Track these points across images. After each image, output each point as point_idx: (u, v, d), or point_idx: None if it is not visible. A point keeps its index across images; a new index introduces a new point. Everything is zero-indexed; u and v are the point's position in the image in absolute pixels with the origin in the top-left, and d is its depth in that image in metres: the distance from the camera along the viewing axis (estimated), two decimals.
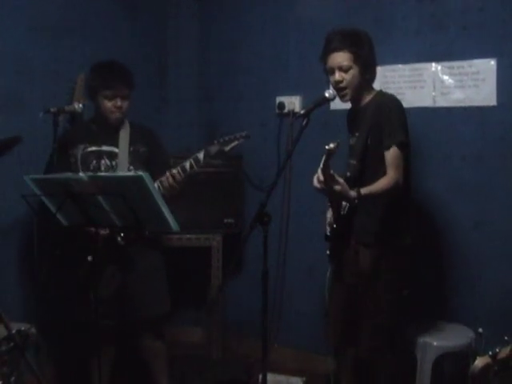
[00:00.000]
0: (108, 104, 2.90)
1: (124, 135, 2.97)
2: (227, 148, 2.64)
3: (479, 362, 1.89)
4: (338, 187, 2.35)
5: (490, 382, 1.90)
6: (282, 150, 3.57)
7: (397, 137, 2.55)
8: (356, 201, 2.42)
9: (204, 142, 2.75)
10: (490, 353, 1.88)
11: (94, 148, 2.95)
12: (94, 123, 3.01)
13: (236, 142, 2.66)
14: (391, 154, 2.54)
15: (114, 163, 2.94)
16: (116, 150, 2.95)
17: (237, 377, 3.57)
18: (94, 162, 2.94)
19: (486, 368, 1.88)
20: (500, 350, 1.88)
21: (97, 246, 2.62)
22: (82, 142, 2.95)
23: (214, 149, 2.64)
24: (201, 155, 2.66)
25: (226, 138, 2.66)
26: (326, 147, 2.25)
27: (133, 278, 2.91)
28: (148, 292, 2.95)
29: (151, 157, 2.99)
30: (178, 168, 2.74)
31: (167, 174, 2.74)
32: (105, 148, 2.95)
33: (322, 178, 2.34)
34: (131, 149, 2.97)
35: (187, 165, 2.72)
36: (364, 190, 2.43)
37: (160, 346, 3.10)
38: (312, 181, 2.44)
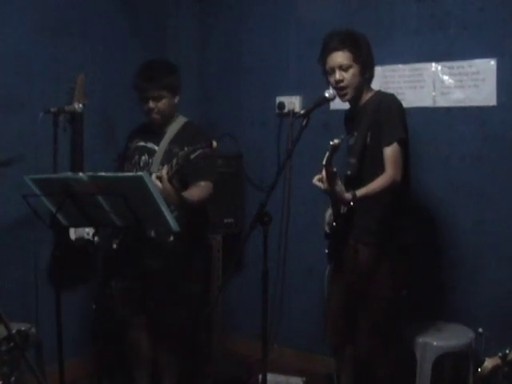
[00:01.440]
0: (144, 106, 2.95)
1: (169, 134, 2.97)
2: (192, 156, 2.60)
3: (488, 363, 1.89)
4: (337, 187, 2.35)
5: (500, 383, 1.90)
6: (282, 150, 3.56)
7: (396, 134, 2.55)
8: (352, 203, 2.42)
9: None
10: (500, 354, 1.88)
11: (141, 143, 3.02)
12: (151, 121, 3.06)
13: (200, 151, 2.60)
14: (391, 151, 2.54)
15: (151, 160, 2.96)
16: (156, 147, 2.97)
17: (237, 377, 3.57)
18: (137, 157, 2.99)
19: (495, 369, 1.88)
20: (510, 351, 1.88)
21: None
22: (137, 137, 3.05)
23: (182, 155, 2.61)
24: (174, 161, 2.64)
25: (193, 147, 2.61)
26: (331, 142, 2.24)
27: (152, 277, 2.94)
28: (162, 296, 2.94)
29: None
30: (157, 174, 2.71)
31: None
32: (149, 145, 2.99)
33: (324, 175, 2.33)
34: (167, 148, 2.95)
35: (164, 171, 2.67)
36: (359, 192, 2.42)
37: (172, 361, 3.08)
38: (312, 179, 2.43)
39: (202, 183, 2.87)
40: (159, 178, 2.60)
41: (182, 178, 2.86)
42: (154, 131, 3.02)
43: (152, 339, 3.08)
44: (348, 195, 2.39)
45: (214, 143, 2.58)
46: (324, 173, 2.32)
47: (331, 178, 2.31)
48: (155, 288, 2.95)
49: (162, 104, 2.93)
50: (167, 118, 2.99)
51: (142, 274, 2.97)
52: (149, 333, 3.08)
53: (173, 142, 2.95)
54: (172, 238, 2.86)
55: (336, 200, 2.48)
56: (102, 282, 2.77)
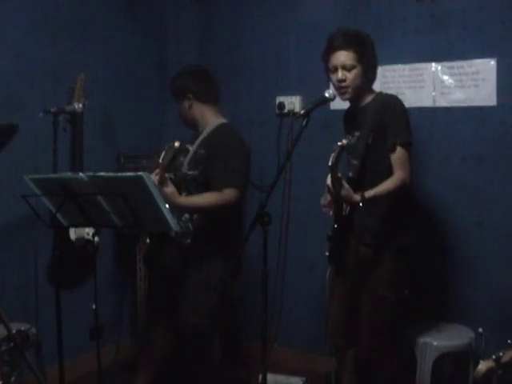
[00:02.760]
0: None
1: (202, 136, 2.96)
2: (166, 158, 2.69)
3: (483, 365, 1.89)
4: (344, 192, 2.35)
5: None
6: (282, 150, 3.57)
7: (402, 137, 2.56)
8: (361, 204, 2.42)
9: None
10: (494, 357, 1.88)
11: (188, 146, 2.99)
12: None
13: (169, 153, 2.70)
14: (397, 154, 2.56)
15: (183, 161, 2.98)
16: (191, 148, 2.98)
17: (237, 377, 3.57)
18: (180, 158, 2.94)
19: (489, 372, 1.87)
20: (504, 354, 1.88)
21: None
22: (189, 140, 3.05)
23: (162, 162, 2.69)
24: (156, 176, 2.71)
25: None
26: (338, 143, 2.24)
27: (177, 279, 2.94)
28: (182, 298, 2.93)
29: (208, 161, 2.87)
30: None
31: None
32: (188, 146, 2.98)
33: (329, 182, 2.32)
34: (196, 150, 2.93)
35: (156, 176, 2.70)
36: (368, 194, 2.44)
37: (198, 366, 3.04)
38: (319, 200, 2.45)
39: (226, 190, 2.77)
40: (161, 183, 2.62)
41: (206, 183, 2.84)
42: (194, 133, 3.03)
43: (168, 341, 3.08)
44: (357, 196, 2.40)
45: (176, 143, 2.60)
46: (329, 180, 2.31)
47: (336, 184, 2.31)
48: (172, 290, 2.95)
49: (180, 110, 3.01)
50: (190, 122, 3.02)
51: (164, 275, 2.99)
52: (166, 334, 3.06)
53: (202, 143, 2.92)
54: (189, 241, 2.84)
55: (344, 202, 2.47)
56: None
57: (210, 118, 2.98)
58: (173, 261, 2.95)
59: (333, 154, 2.27)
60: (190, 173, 2.88)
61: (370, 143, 2.61)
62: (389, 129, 2.56)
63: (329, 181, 2.38)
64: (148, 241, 2.94)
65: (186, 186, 2.83)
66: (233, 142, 2.89)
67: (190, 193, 2.81)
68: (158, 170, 2.63)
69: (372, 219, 2.65)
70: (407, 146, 2.57)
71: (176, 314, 2.95)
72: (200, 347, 3.01)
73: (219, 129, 2.95)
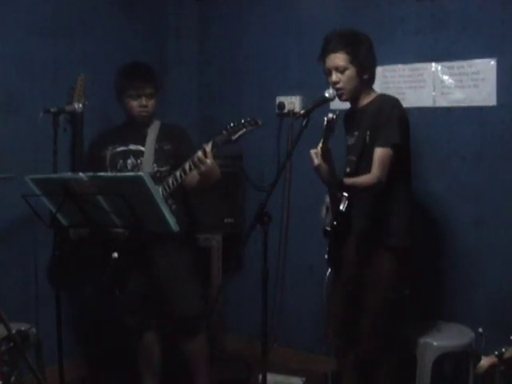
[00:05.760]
0: (134, 103, 2.96)
1: (151, 134, 3.00)
2: (234, 137, 2.58)
3: (485, 361, 1.89)
4: (327, 166, 2.41)
5: (496, 382, 1.90)
6: (282, 150, 3.57)
7: (392, 138, 2.55)
8: (339, 188, 2.48)
9: (204, 141, 2.74)
10: (496, 352, 1.88)
11: (121, 148, 3.00)
12: (124, 125, 3.09)
13: (244, 130, 2.59)
14: (381, 153, 2.55)
15: (139, 161, 2.97)
16: (142, 148, 2.98)
17: (237, 377, 3.57)
18: (121, 161, 2.98)
19: (492, 368, 1.88)
20: (506, 350, 1.88)
21: (120, 243, 2.69)
22: (111, 144, 3.03)
23: (220, 138, 2.59)
24: (209, 146, 2.62)
25: (234, 126, 2.58)
26: (325, 118, 2.26)
27: (157, 276, 2.96)
28: (172, 291, 2.96)
29: (177, 154, 2.95)
30: (190, 161, 2.70)
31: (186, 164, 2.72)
32: (132, 147, 2.99)
33: (319, 150, 2.35)
34: (156, 147, 2.97)
35: (195, 157, 2.66)
36: (347, 181, 2.49)
37: (195, 348, 3.07)
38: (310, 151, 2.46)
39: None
40: (206, 154, 2.61)
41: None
42: (131, 134, 3.02)
43: (162, 342, 3.12)
44: (338, 178, 2.44)
45: (260, 121, 2.60)
46: (319, 149, 2.37)
47: (325, 155, 2.33)
48: (154, 289, 2.98)
49: (152, 103, 2.99)
50: (151, 118, 3.03)
51: (145, 274, 2.99)
52: (159, 337, 3.11)
53: (159, 140, 2.98)
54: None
55: (325, 180, 2.50)
56: (107, 291, 2.76)
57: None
58: (156, 251, 2.95)
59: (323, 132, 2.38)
60: (163, 169, 2.93)
61: (368, 142, 2.61)
62: (381, 128, 2.57)
63: (313, 151, 2.43)
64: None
65: (161, 182, 2.82)
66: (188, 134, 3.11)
67: (169, 188, 2.79)
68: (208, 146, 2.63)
69: (370, 219, 2.65)
70: (392, 147, 2.55)
71: (167, 311, 2.96)
72: (197, 333, 3.06)
73: (168, 125, 3.08)
